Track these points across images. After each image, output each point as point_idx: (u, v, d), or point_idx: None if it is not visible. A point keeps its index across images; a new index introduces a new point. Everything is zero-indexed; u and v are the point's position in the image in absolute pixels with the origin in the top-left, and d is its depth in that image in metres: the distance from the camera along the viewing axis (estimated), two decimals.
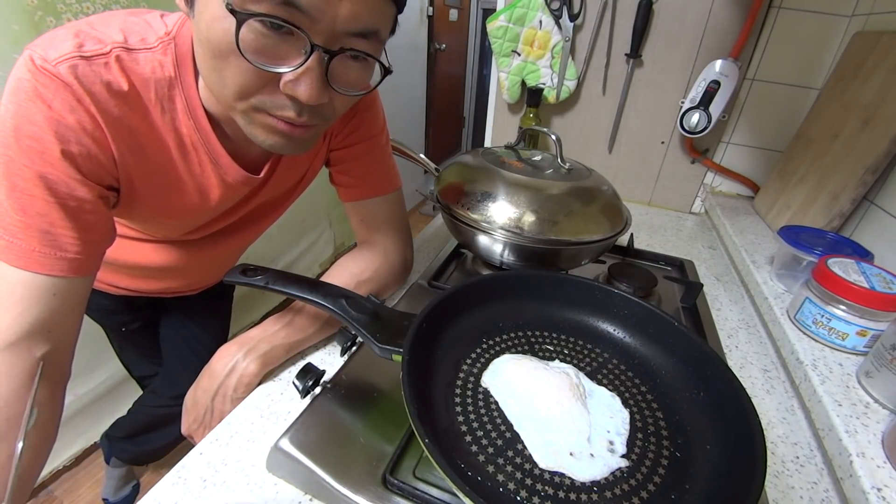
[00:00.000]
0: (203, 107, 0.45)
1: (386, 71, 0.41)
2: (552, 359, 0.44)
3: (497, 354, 0.44)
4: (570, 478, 0.33)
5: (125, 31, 0.40)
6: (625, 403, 0.40)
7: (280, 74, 0.36)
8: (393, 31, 0.41)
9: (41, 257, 0.38)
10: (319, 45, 0.35)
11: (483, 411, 0.38)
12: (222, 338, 0.96)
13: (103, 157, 0.41)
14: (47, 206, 0.38)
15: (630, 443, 0.36)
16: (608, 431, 0.37)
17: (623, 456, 0.35)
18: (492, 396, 0.39)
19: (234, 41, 0.33)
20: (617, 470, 0.34)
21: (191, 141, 0.46)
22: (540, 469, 0.34)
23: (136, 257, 0.63)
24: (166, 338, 0.91)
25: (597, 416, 0.38)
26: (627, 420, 0.38)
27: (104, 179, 0.42)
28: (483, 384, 0.40)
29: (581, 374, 0.42)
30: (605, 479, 0.33)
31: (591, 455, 0.35)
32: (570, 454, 0.34)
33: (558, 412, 0.37)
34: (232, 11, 0.32)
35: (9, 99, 0.37)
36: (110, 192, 0.44)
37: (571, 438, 0.36)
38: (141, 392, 1.01)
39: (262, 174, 0.53)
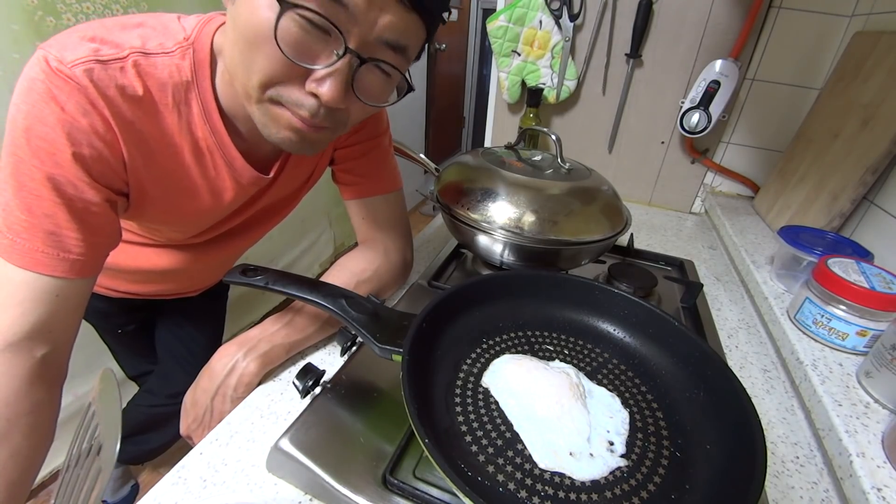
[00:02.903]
0: (219, 109, 0.45)
1: (409, 88, 0.42)
2: (552, 359, 0.44)
3: (497, 354, 0.43)
4: (569, 478, 0.33)
5: (143, 37, 0.40)
6: (624, 403, 0.40)
7: (308, 71, 0.36)
8: (418, 58, 0.42)
9: (45, 258, 0.39)
10: (353, 49, 0.35)
11: (483, 411, 0.38)
12: (218, 336, 0.96)
13: (114, 161, 0.41)
14: (54, 206, 0.38)
15: (630, 443, 0.36)
16: (608, 431, 0.37)
17: (623, 456, 0.35)
18: (492, 396, 0.39)
19: (272, 29, 0.33)
20: (617, 470, 0.34)
21: (206, 144, 0.46)
22: (540, 469, 0.34)
23: (138, 262, 0.63)
24: (162, 338, 0.90)
25: (596, 416, 0.38)
26: (627, 420, 0.38)
27: (113, 183, 0.42)
28: (483, 384, 0.40)
29: (581, 374, 0.42)
30: (605, 478, 0.33)
31: (591, 455, 0.35)
32: (570, 454, 0.34)
33: (558, 412, 0.37)
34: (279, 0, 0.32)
35: (21, 99, 0.37)
36: (119, 196, 0.44)
37: (571, 438, 0.36)
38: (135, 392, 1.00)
39: (271, 173, 0.53)
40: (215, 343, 0.94)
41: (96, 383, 0.49)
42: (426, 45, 0.42)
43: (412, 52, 0.40)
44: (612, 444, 0.36)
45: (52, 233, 0.38)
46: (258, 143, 0.49)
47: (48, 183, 0.37)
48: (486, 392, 0.39)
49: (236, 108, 0.45)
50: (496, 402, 0.39)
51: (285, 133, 0.40)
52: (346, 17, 0.34)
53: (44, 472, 1.17)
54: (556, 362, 0.44)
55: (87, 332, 0.80)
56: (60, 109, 0.36)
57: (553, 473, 0.33)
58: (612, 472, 0.34)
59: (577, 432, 0.36)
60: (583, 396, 0.39)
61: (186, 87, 0.42)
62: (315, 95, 0.37)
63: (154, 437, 1.00)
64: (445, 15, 0.40)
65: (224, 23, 0.43)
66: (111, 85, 0.38)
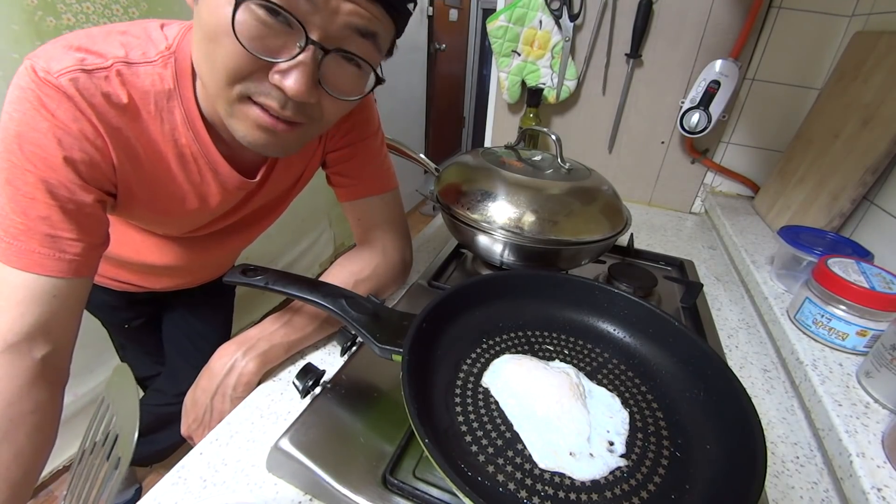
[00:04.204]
0: (202, 117, 0.45)
1: (378, 80, 0.41)
2: (552, 359, 0.44)
3: (497, 354, 0.43)
4: (569, 478, 0.33)
5: (126, 46, 0.40)
6: (624, 403, 0.40)
7: (271, 64, 0.36)
8: (390, 53, 0.42)
9: (42, 258, 0.39)
10: (315, 40, 0.35)
11: (483, 411, 0.38)
12: (225, 333, 0.96)
13: (104, 164, 0.42)
14: (48, 209, 0.39)
15: (630, 443, 0.36)
16: (608, 431, 0.37)
17: (623, 456, 0.35)
18: (492, 396, 0.39)
19: (230, 23, 0.33)
20: (617, 470, 0.34)
21: (190, 152, 0.47)
22: (540, 469, 0.34)
23: (140, 254, 0.63)
24: (169, 335, 0.91)
25: (596, 416, 0.38)
26: (627, 420, 0.38)
27: (104, 185, 0.43)
28: (483, 384, 0.40)
29: (581, 374, 0.42)
30: (605, 478, 0.33)
31: (591, 455, 0.35)
32: (570, 454, 0.34)
33: (558, 412, 0.37)
34: None
35: (13, 107, 0.38)
36: (109, 196, 0.45)
37: (571, 438, 0.36)
38: (143, 394, 1.01)
39: (258, 177, 0.53)
40: (223, 340, 0.95)
41: (111, 377, 0.49)
42: (395, 42, 0.42)
43: (382, 41, 0.39)
44: (612, 444, 0.36)
45: (48, 235, 0.39)
46: (242, 149, 0.49)
47: (42, 186, 0.38)
48: (486, 392, 0.39)
49: (216, 115, 0.45)
50: (496, 402, 0.39)
51: (257, 133, 0.40)
52: (306, 7, 0.33)
53: (45, 472, 1.17)
54: (556, 362, 0.44)
55: (87, 332, 0.80)
56: (51, 116, 0.37)
57: (553, 473, 0.33)
58: (612, 472, 0.34)
59: (577, 432, 0.36)
60: (583, 396, 0.39)
61: (168, 95, 0.43)
62: (280, 88, 0.37)
63: (161, 437, 1.00)
64: (411, 6, 0.40)
65: None
66: (97, 93, 0.39)
